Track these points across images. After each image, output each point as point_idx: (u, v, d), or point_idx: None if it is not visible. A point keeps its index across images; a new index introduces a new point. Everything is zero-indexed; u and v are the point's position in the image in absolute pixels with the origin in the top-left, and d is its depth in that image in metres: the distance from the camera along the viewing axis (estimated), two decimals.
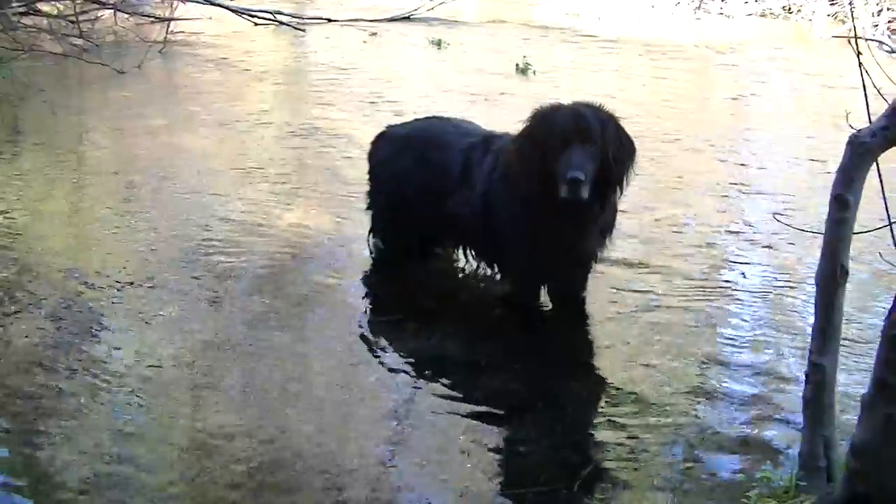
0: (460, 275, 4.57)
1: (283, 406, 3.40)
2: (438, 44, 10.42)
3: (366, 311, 4.20)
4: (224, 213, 5.24)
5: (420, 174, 4.32)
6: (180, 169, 6.06)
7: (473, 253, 4.37)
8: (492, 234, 4.05)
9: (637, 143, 3.89)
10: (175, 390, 3.48)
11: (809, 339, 2.77)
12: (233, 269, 4.53)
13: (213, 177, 5.89)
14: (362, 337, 3.94)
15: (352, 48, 10.36)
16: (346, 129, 6.98)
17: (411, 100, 7.86)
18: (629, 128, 3.88)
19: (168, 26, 10.02)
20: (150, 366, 3.63)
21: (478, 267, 4.45)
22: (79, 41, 9.30)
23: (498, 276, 4.31)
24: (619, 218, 4.14)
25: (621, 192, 3.88)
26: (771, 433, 3.25)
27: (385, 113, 7.19)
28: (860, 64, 2.76)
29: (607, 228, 4.01)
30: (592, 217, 3.84)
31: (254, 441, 3.17)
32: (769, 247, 4.87)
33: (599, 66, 9.60)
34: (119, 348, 3.78)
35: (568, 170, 3.60)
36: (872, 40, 9.99)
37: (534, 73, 8.99)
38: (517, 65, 9.11)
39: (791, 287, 4.39)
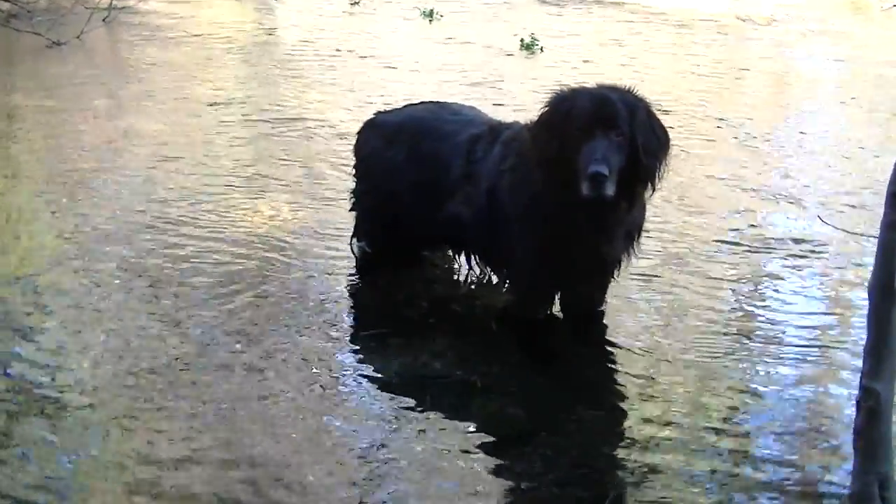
0: (453, 283, 4.57)
1: (247, 433, 3.38)
2: (430, 14, 10.44)
3: (346, 325, 4.19)
4: (180, 211, 5.23)
5: (414, 169, 4.32)
6: (129, 158, 6.05)
7: (476, 258, 4.37)
8: (498, 236, 4.05)
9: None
10: (121, 413, 3.46)
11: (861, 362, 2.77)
12: (190, 275, 4.51)
13: (168, 168, 5.88)
14: (341, 353, 3.93)
15: (330, 20, 10.38)
16: (325, 114, 6.99)
17: (400, 81, 7.87)
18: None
19: None
20: (92, 386, 3.61)
21: (480, 274, 4.45)
22: (6, 5, 9.28)
23: (505, 285, 4.31)
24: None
25: (653, 189, 3.87)
26: (814, 468, 3.24)
27: (369, 96, 7.20)
28: None
29: (634, 230, 3.98)
30: (618, 218, 3.82)
31: (211, 471, 3.16)
32: (814, 253, 4.87)
33: (617, 42, 9.63)
34: (56, 365, 3.76)
35: (589, 163, 3.58)
36: None
37: (541, 49, 9.01)
38: (522, 40, 9.14)
39: (839, 302, 4.40)
